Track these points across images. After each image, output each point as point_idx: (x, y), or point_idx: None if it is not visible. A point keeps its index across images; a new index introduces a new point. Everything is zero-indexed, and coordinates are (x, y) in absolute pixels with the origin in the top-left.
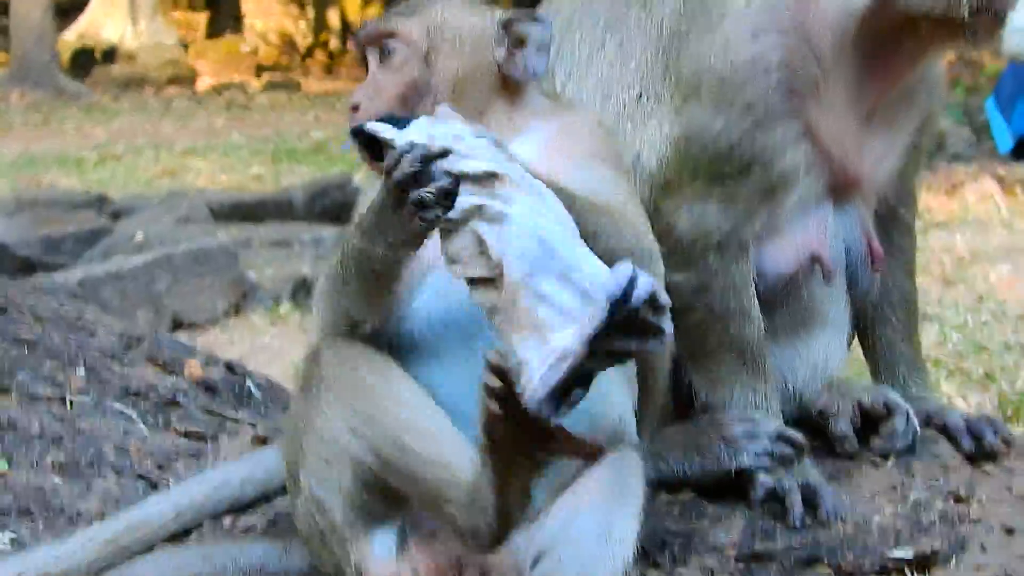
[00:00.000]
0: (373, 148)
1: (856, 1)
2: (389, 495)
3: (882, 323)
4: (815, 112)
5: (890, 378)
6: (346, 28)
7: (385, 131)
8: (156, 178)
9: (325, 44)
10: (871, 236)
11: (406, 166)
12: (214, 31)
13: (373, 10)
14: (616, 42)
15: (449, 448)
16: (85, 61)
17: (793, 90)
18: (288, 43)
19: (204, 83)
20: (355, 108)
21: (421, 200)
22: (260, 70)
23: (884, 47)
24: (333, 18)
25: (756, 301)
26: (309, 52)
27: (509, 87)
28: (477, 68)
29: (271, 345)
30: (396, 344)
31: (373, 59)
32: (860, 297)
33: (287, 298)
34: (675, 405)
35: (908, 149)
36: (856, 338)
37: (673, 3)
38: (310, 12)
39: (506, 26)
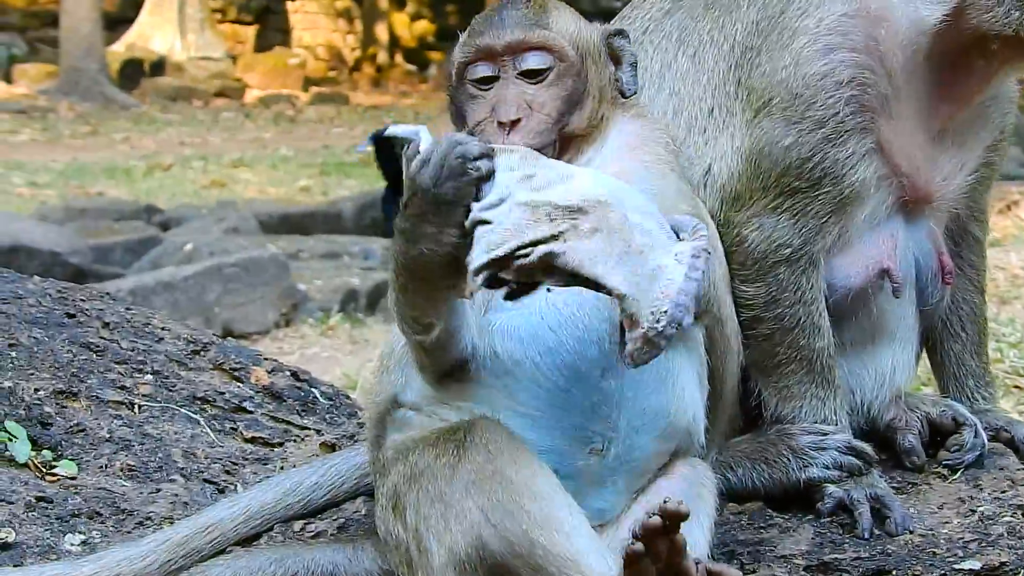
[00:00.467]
0: (388, 154)
1: (928, 19)
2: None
3: (951, 337)
4: (886, 128)
5: (959, 392)
6: (394, 42)
7: (412, 133)
8: (204, 189)
9: (373, 58)
10: (942, 251)
11: (433, 168)
12: (263, 44)
13: (421, 25)
14: (688, 56)
15: (581, 545)
16: (134, 73)
17: (864, 106)
18: (336, 56)
19: (252, 95)
20: (514, 123)
21: (446, 199)
22: (308, 83)
23: (955, 65)
24: (381, 32)
25: (826, 314)
26: (357, 65)
27: (614, 102)
28: (605, 82)
29: (321, 355)
30: (478, 356)
31: (507, 71)
32: (929, 311)
33: (337, 309)
34: (744, 420)
35: (979, 166)
36: (925, 352)
37: (746, 19)
38: (358, 26)
39: (607, 42)
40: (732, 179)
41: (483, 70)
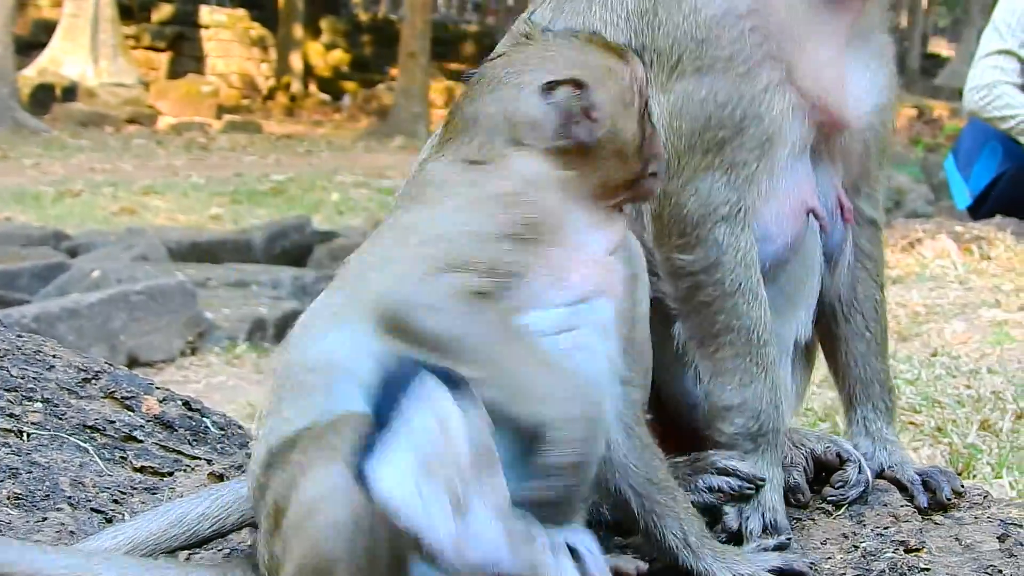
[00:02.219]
0: None
1: None
2: None
3: (856, 337)
4: (795, 53)
5: (865, 398)
6: (308, 71)
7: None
8: (114, 216)
9: (287, 86)
10: (838, 189)
11: None
12: (176, 71)
13: (336, 55)
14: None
15: None
16: (45, 98)
17: (768, 33)
18: (250, 85)
19: (164, 122)
20: None
21: None
22: (221, 111)
23: None
24: (296, 61)
25: (762, 283)
26: (271, 94)
27: None
28: None
29: (227, 384)
30: None
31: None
32: (832, 253)
33: (244, 338)
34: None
35: (885, 85)
36: (823, 354)
37: None
38: (273, 54)
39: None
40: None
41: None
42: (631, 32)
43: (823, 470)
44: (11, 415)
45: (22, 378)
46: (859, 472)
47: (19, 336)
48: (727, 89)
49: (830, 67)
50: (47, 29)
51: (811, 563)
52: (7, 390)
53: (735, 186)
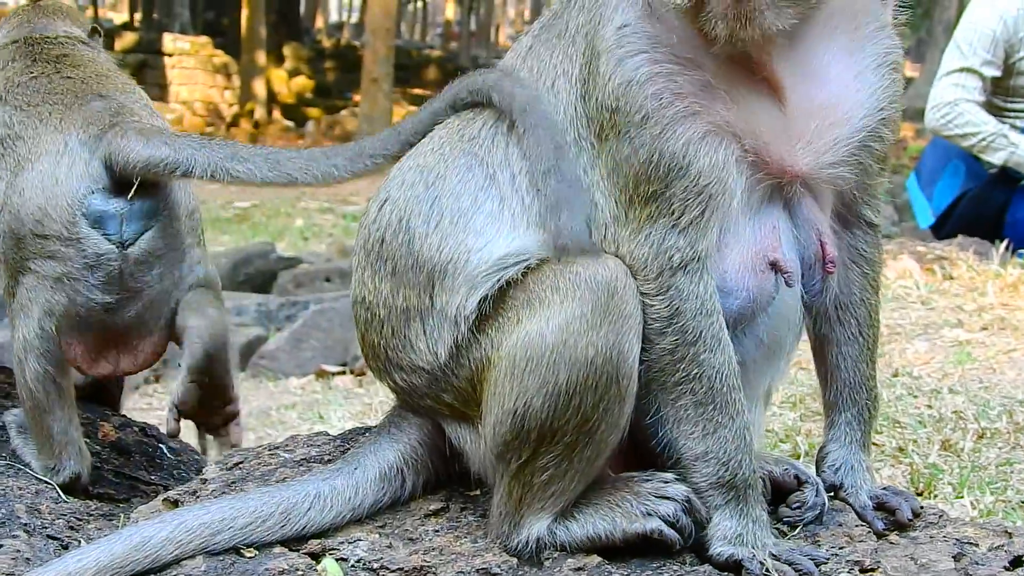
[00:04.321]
0: None
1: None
2: None
3: (849, 341)
4: (722, 109)
5: (851, 402)
6: (272, 98)
7: None
8: None
9: (251, 113)
10: (823, 236)
11: None
12: None
13: (300, 81)
14: (548, 87)
15: None
16: None
17: (677, 94)
18: (214, 112)
19: None
20: None
21: None
22: None
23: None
24: (259, 88)
25: (725, 329)
26: (235, 121)
27: None
28: None
29: None
30: None
31: None
32: (813, 303)
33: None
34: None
35: (863, 119)
36: (812, 357)
37: (580, 52)
38: (236, 81)
39: None
40: (610, 204)
41: None
42: (576, 93)
43: (780, 492)
44: None
45: None
46: (816, 495)
47: None
48: (647, 147)
49: (765, 120)
50: None
51: None
52: None
53: (685, 233)
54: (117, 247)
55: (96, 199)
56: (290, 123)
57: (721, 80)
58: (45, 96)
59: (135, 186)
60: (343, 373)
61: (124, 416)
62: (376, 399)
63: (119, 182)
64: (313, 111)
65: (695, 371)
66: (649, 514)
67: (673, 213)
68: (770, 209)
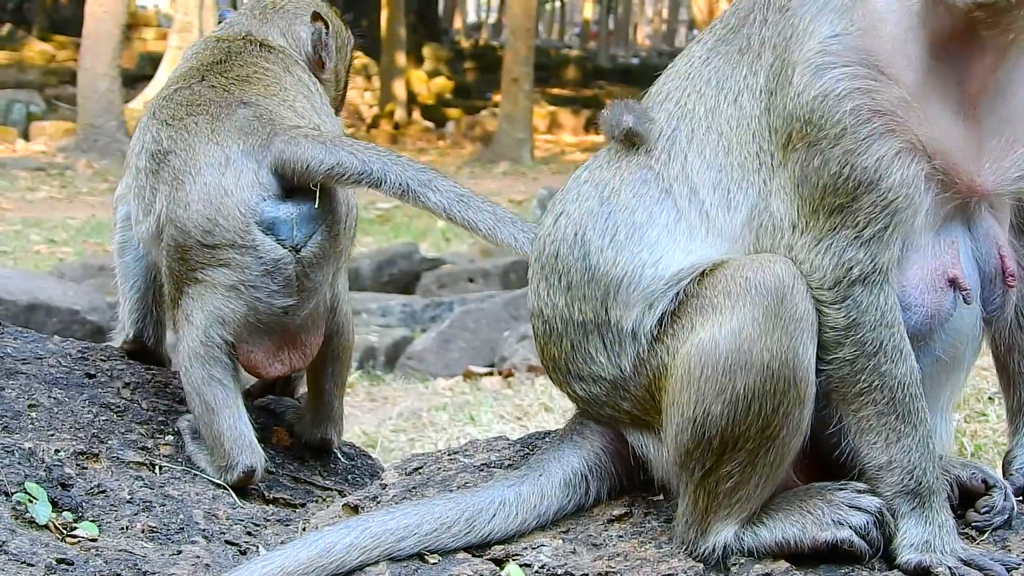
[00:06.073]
0: None
1: (910, 17)
2: None
3: None
4: (916, 126)
5: None
6: (412, 99)
7: None
8: None
9: (391, 114)
10: (1003, 251)
11: None
12: None
13: (439, 82)
14: (731, 102)
15: None
16: None
17: (875, 111)
18: (354, 113)
19: None
20: None
21: None
22: None
23: (959, 48)
24: (399, 89)
25: (907, 339)
26: (375, 122)
27: None
28: None
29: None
30: None
31: None
32: (993, 318)
33: (355, 367)
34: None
35: None
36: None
37: (766, 64)
38: (376, 83)
39: None
40: (791, 211)
41: None
42: (762, 104)
43: (968, 497)
44: (143, 448)
45: (153, 411)
46: (1004, 499)
47: (148, 369)
48: (839, 160)
49: (960, 139)
50: (153, 62)
51: None
52: (138, 423)
53: (867, 246)
54: (291, 251)
55: (268, 206)
56: (430, 124)
57: (918, 97)
58: (189, 109)
59: (317, 192)
60: (491, 374)
61: (300, 405)
62: (526, 400)
63: (287, 188)
64: (453, 112)
65: (876, 382)
66: (840, 523)
67: (857, 225)
68: (951, 225)
